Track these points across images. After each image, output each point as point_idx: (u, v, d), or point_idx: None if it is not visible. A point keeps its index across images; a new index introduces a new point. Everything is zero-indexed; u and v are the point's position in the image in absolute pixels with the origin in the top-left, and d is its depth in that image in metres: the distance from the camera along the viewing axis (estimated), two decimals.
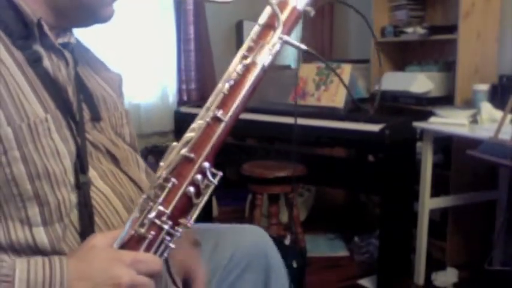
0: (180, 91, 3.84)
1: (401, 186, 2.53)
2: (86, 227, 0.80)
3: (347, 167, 3.00)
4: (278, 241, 2.45)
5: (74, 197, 0.80)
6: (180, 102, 3.79)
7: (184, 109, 3.31)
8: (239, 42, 4.18)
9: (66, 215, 0.78)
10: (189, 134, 0.75)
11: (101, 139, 0.88)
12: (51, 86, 0.80)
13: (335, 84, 2.86)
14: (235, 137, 3.05)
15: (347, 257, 2.88)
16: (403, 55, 3.19)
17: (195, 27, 3.81)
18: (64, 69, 0.84)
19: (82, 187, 0.81)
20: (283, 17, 0.76)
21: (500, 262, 2.60)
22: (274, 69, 3.74)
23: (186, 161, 0.74)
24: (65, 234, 0.78)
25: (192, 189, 0.73)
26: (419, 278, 2.51)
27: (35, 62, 0.79)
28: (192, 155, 0.73)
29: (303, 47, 0.78)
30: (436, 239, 2.72)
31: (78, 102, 0.85)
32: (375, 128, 2.41)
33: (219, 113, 0.73)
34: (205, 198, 0.75)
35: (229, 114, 0.74)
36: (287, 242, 2.83)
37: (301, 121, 2.72)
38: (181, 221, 0.74)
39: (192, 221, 0.75)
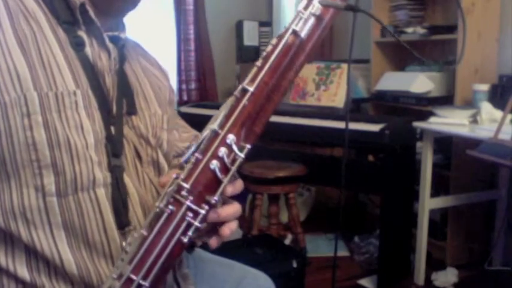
0: (180, 91, 3.85)
1: (401, 186, 2.53)
2: (119, 209, 0.80)
3: (347, 167, 3.00)
4: (278, 241, 2.47)
5: (105, 177, 0.79)
6: (180, 103, 3.79)
7: (185, 109, 3.31)
8: (239, 42, 4.19)
9: (82, 189, 0.77)
10: (220, 111, 0.72)
11: (130, 134, 0.87)
12: (89, 69, 0.81)
13: (335, 84, 2.86)
14: None
15: (347, 257, 2.88)
16: (403, 55, 3.19)
17: (195, 27, 3.81)
18: (105, 58, 0.84)
19: (114, 170, 0.81)
20: None
21: (500, 262, 2.60)
22: None
23: (211, 135, 0.71)
24: (80, 208, 0.78)
25: (215, 162, 0.69)
26: (419, 278, 2.51)
27: (77, 45, 0.80)
28: (216, 129, 0.70)
29: (341, 5, 0.70)
30: (436, 239, 2.73)
31: (118, 92, 0.86)
32: (375, 128, 2.41)
33: (245, 84, 0.70)
34: (232, 172, 0.71)
35: (256, 83, 0.69)
36: (287, 242, 2.84)
37: (301, 121, 2.72)
38: (207, 198, 0.70)
39: (217, 197, 0.71)
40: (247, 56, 4.17)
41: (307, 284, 2.28)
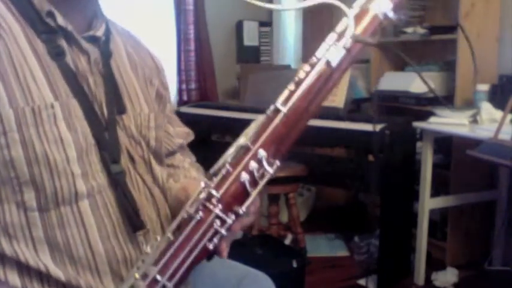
0: (180, 91, 3.85)
1: (401, 186, 2.53)
2: (130, 214, 0.82)
3: (347, 167, 3.00)
4: (278, 241, 2.47)
5: (91, 187, 0.79)
6: (180, 103, 3.79)
7: (185, 109, 3.30)
8: (239, 42, 4.19)
9: (64, 203, 0.77)
10: (250, 127, 0.75)
11: (122, 136, 0.87)
12: (71, 77, 0.80)
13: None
14: (233, 137, 3.04)
15: (347, 257, 2.88)
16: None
17: (195, 27, 3.81)
18: (85, 62, 0.84)
19: (116, 177, 0.81)
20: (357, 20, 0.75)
21: (500, 262, 2.60)
22: (274, 69, 3.74)
23: (242, 149, 0.74)
24: (61, 222, 0.77)
25: (245, 175, 0.73)
26: (419, 277, 2.51)
27: (57, 55, 0.79)
28: (248, 144, 0.73)
29: (373, 41, 0.76)
30: (436, 239, 2.73)
31: (106, 95, 0.85)
32: (375, 128, 2.41)
33: (278, 104, 0.73)
34: (260, 187, 0.74)
35: (289, 105, 0.73)
36: (287, 242, 2.84)
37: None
38: (235, 208, 0.74)
39: (245, 208, 0.74)
40: (247, 56, 4.18)
41: (307, 284, 2.28)
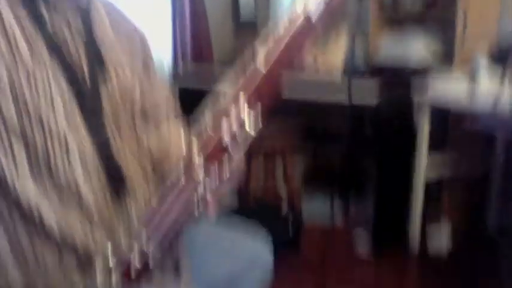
0: (175, 66, 3.82)
1: (398, 158, 2.53)
2: (116, 181, 0.81)
3: (343, 139, 2.99)
4: (274, 208, 2.47)
5: (93, 151, 0.80)
6: (176, 77, 3.76)
7: (181, 84, 3.28)
8: (236, 16, 4.13)
9: (56, 165, 0.77)
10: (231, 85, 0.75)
11: (106, 103, 0.86)
12: (53, 45, 0.80)
13: (333, 55, 2.83)
14: None
15: (343, 222, 2.88)
16: (402, 26, 3.15)
17: (190, 1, 3.76)
18: (67, 30, 0.83)
19: (100, 142, 0.81)
20: None
21: (495, 227, 2.62)
22: None
23: (224, 109, 0.73)
24: (52, 185, 0.77)
25: (227, 137, 0.72)
26: (414, 243, 2.54)
27: (38, 23, 0.79)
28: (230, 102, 0.72)
29: None
30: (432, 207, 2.73)
31: (89, 62, 0.85)
32: (373, 100, 2.40)
33: (258, 62, 0.73)
34: (244, 147, 0.74)
35: (269, 62, 0.72)
36: (283, 208, 2.83)
37: (298, 94, 2.70)
38: (218, 171, 0.73)
39: (228, 171, 0.74)
40: (245, 30, 4.13)
41: (303, 251, 2.29)
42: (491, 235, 2.60)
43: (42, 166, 0.76)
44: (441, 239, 2.59)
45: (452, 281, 2.25)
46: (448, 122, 2.60)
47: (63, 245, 0.77)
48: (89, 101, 0.82)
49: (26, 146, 0.75)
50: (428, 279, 2.35)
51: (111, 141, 0.84)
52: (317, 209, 3.01)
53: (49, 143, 0.76)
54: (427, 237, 2.58)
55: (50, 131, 0.76)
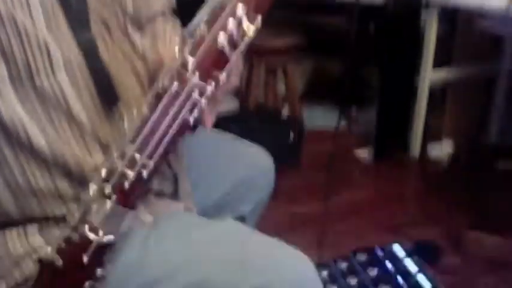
0: None
1: (403, 57, 2.46)
2: (103, 86, 0.76)
3: (348, 39, 2.91)
4: (275, 114, 2.45)
5: (79, 58, 0.73)
6: None
7: None
8: None
9: (39, 75, 0.71)
10: None
11: (93, 2, 0.78)
12: None
13: None
14: None
15: (344, 129, 2.87)
16: None
17: None
18: None
19: (86, 45, 0.74)
20: None
21: (497, 135, 2.62)
22: None
23: (219, 6, 0.67)
24: (39, 102, 0.72)
25: (223, 36, 0.66)
26: (415, 149, 2.54)
27: None
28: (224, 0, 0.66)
29: None
30: (435, 113, 2.71)
31: None
32: None
33: None
34: (241, 49, 0.68)
35: None
36: (284, 114, 2.82)
37: None
38: (214, 74, 0.67)
39: (225, 74, 0.68)
40: None
41: (304, 157, 2.30)
42: (493, 142, 2.60)
43: (26, 81, 0.70)
44: (442, 146, 2.59)
45: (452, 186, 2.27)
46: (457, 22, 2.49)
47: (54, 165, 0.74)
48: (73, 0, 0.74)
49: (6, 62, 0.68)
50: (428, 184, 2.38)
51: (100, 45, 0.78)
52: (319, 117, 2.99)
53: (29, 53, 0.69)
54: (427, 145, 2.58)
55: (29, 39, 0.69)
